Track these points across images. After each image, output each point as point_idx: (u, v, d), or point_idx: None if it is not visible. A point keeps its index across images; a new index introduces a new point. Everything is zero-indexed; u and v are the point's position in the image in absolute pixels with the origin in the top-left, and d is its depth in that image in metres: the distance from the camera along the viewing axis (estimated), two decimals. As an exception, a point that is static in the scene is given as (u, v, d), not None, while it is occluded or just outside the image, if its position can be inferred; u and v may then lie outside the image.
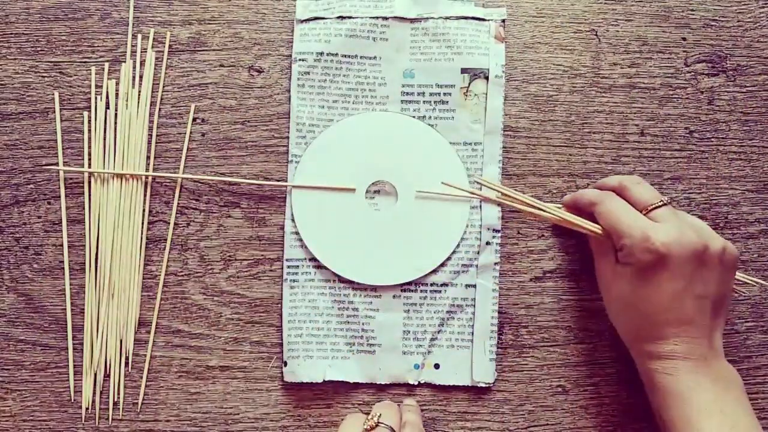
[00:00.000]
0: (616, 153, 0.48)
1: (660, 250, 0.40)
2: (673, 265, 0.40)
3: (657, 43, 0.49)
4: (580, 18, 0.49)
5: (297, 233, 0.47)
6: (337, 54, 0.48)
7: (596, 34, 0.49)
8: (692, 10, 0.49)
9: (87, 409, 0.47)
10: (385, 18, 0.48)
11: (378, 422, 0.41)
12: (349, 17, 0.48)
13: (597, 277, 0.45)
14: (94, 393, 0.47)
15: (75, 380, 0.47)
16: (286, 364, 0.47)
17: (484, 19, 0.48)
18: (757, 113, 0.49)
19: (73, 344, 0.47)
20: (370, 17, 0.48)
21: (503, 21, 0.49)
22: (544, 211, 0.46)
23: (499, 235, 0.48)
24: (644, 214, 0.42)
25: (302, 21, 0.48)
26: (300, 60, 0.48)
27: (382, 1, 0.48)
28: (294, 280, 0.47)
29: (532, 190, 0.48)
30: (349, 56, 0.48)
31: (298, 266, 0.47)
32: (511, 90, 0.49)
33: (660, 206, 0.42)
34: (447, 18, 0.48)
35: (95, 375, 0.47)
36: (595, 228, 0.44)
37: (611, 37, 0.49)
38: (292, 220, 0.48)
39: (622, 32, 0.49)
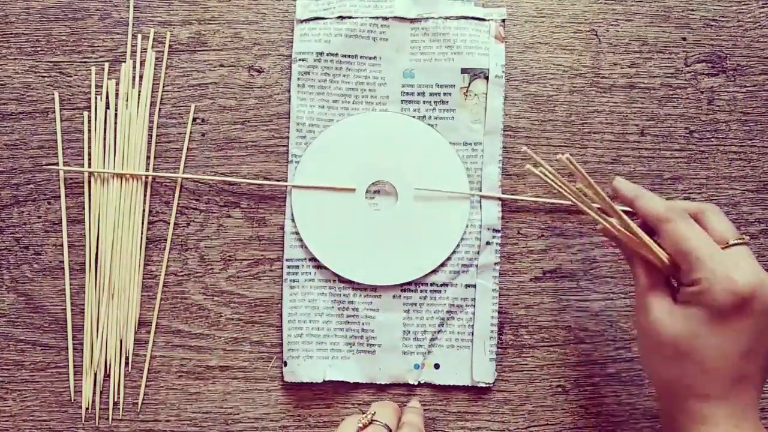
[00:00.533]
0: (616, 153, 0.49)
1: (744, 292, 0.34)
2: (758, 312, 0.34)
3: (657, 43, 0.49)
4: (580, 18, 0.49)
5: (297, 233, 0.47)
6: (337, 54, 0.48)
7: (596, 34, 0.49)
8: (692, 10, 0.49)
9: (87, 409, 0.47)
10: (385, 18, 0.48)
11: (372, 420, 0.41)
12: (349, 17, 0.48)
13: (639, 314, 0.38)
14: (94, 393, 0.47)
15: (75, 380, 0.47)
16: (286, 364, 0.47)
17: (484, 19, 0.48)
18: (757, 113, 0.49)
19: (73, 344, 0.47)
20: (370, 17, 0.48)
21: (503, 21, 0.49)
22: (622, 220, 0.39)
23: (499, 235, 0.48)
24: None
25: (302, 21, 0.48)
26: (300, 60, 0.48)
27: (382, 1, 0.48)
28: (294, 280, 0.47)
29: (533, 190, 0.48)
30: (349, 56, 0.48)
31: (298, 266, 0.47)
32: (511, 90, 0.49)
33: (739, 244, 0.36)
34: (447, 18, 0.48)
35: (95, 375, 0.47)
36: (662, 255, 0.38)
37: (611, 37, 0.49)
38: (292, 220, 0.48)
39: (622, 32, 0.49)
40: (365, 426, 0.40)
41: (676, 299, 0.37)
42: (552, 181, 0.39)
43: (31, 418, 0.47)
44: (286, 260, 0.47)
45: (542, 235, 0.48)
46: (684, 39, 0.49)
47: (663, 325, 0.36)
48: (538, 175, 0.40)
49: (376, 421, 0.41)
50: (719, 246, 0.36)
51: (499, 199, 0.48)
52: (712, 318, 0.35)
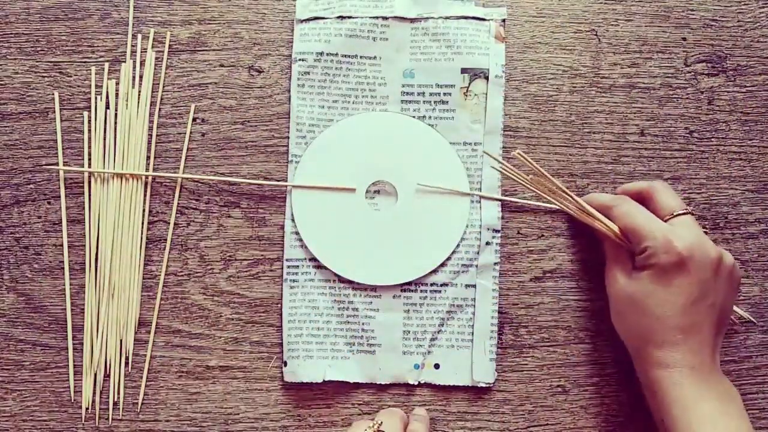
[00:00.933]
0: (616, 153, 0.48)
1: (683, 253, 0.41)
2: (693, 269, 0.41)
3: (657, 43, 0.49)
4: (580, 18, 0.49)
5: (297, 233, 0.47)
6: (337, 54, 0.48)
7: (596, 34, 0.49)
8: (692, 10, 0.49)
9: (87, 409, 0.47)
10: (385, 18, 0.48)
11: (379, 430, 0.41)
12: (349, 17, 0.48)
13: (607, 282, 0.45)
14: (94, 393, 0.47)
15: (75, 380, 0.47)
16: (286, 364, 0.47)
17: (484, 19, 0.48)
18: (757, 113, 0.49)
19: (73, 344, 0.47)
20: (370, 17, 0.48)
21: (503, 21, 0.49)
22: (573, 200, 0.45)
23: (499, 235, 0.48)
24: (667, 220, 0.43)
25: (302, 21, 0.48)
26: (300, 60, 0.48)
27: (382, 1, 0.48)
28: (294, 280, 0.47)
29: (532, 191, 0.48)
30: (349, 56, 0.48)
31: (298, 266, 0.47)
32: (511, 90, 0.49)
33: (684, 214, 0.43)
34: (447, 18, 0.48)
35: (95, 375, 0.47)
36: (613, 226, 0.44)
37: (611, 37, 0.49)
38: (292, 220, 0.48)
39: (622, 32, 0.49)
40: None
41: (634, 268, 0.43)
42: (512, 175, 0.46)
43: (31, 418, 0.47)
44: (286, 260, 0.47)
45: (542, 235, 0.48)
46: (684, 39, 0.49)
47: (624, 288, 0.43)
48: (501, 171, 0.47)
49: (382, 431, 0.41)
50: (666, 217, 0.43)
51: (499, 200, 0.48)
52: (659, 277, 0.41)
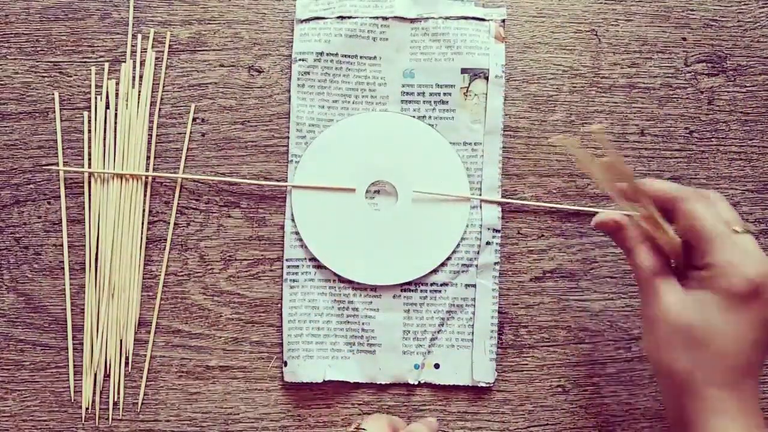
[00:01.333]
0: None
1: (758, 281, 0.34)
2: (765, 300, 0.34)
3: (657, 43, 0.49)
4: (580, 18, 0.49)
5: (297, 233, 0.47)
6: (337, 54, 0.48)
7: (596, 34, 0.49)
8: (692, 10, 0.49)
9: (87, 409, 0.47)
10: (385, 18, 0.48)
11: (359, 428, 0.39)
12: (349, 17, 0.48)
13: (649, 301, 0.36)
14: (94, 393, 0.47)
15: (75, 380, 0.47)
16: (286, 364, 0.47)
17: (484, 19, 0.48)
18: (757, 113, 0.49)
19: (73, 344, 0.47)
20: (370, 17, 0.48)
21: (503, 21, 0.49)
22: (645, 202, 0.37)
23: (499, 235, 0.48)
24: None
25: (302, 21, 0.48)
26: (300, 60, 0.48)
27: (382, 1, 0.48)
28: (294, 280, 0.47)
29: (532, 190, 0.48)
30: (349, 56, 0.48)
31: (298, 266, 0.47)
32: (511, 90, 0.49)
33: (744, 233, 0.35)
34: (447, 18, 0.48)
35: (95, 375, 0.47)
36: (676, 239, 0.36)
37: (611, 37, 0.49)
38: (292, 220, 0.48)
39: (622, 32, 0.49)
40: None
41: (683, 284, 0.36)
42: (582, 159, 0.37)
43: (31, 418, 0.47)
44: (286, 260, 0.47)
45: (542, 235, 0.48)
46: (684, 39, 0.49)
47: (676, 312, 0.35)
48: (571, 152, 0.38)
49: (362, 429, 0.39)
50: None
51: (498, 203, 0.48)
52: (727, 304, 0.34)
